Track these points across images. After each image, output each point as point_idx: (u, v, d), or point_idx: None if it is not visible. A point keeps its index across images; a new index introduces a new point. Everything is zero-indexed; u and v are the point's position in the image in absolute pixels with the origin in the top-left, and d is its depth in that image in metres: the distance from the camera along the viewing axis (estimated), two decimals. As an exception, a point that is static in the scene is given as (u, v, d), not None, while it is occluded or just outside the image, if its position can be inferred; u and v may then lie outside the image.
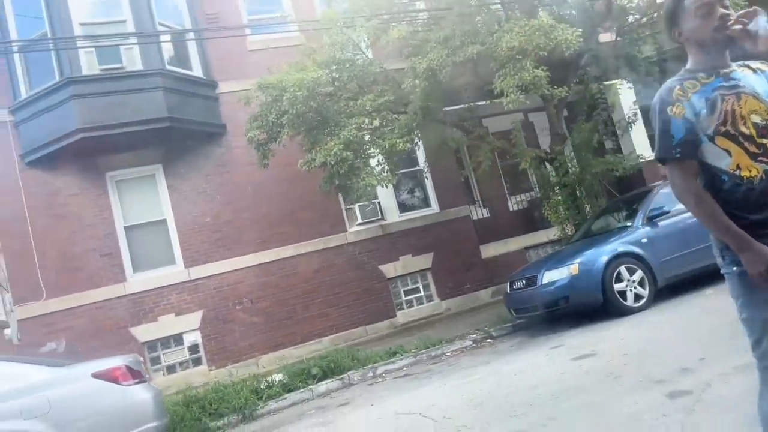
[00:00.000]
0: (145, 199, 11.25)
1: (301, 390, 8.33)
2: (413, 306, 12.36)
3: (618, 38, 11.31)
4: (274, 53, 11.22)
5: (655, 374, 4.65)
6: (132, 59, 10.65)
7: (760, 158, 2.16)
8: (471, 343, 8.90)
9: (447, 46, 8.80)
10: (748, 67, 2.32)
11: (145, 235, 11.14)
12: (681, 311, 6.94)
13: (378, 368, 8.61)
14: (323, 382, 8.44)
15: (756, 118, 2.19)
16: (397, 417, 5.48)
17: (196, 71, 11.64)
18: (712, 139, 2.20)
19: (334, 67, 9.65)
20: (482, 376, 6.45)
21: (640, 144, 13.26)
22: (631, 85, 13.00)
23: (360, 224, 12.16)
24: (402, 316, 12.10)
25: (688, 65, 2.34)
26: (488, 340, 8.89)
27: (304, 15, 12.21)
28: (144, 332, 10.70)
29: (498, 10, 9.83)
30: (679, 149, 2.23)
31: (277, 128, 9.44)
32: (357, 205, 11.92)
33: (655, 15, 11.35)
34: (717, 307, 6.38)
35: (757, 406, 2.29)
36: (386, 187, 10.37)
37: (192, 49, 11.65)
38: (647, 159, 12.91)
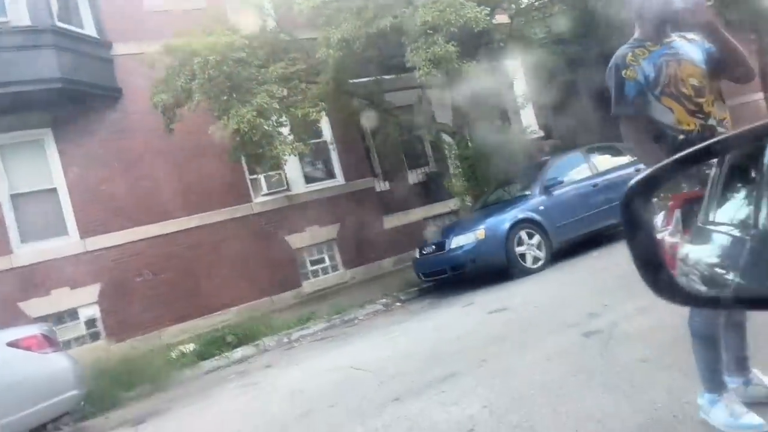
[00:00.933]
0: (34, 166, 10.49)
1: (216, 358, 8.31)
2: (319, 276, 12.54)
3: (512, 20, 12.01)
4: (175, 16, 10.79)
5: (567, 320, 5.20)
6: (18, 13, 9.83)
7: (696, 114, 2.60)
8: (382, 306, 9.27)
9: (360, 17, 8.95)
10: (685, 37, 2.74)
11: (33, 204, 10.40)
12: (575, 270, 7.68)
13: (292, 334, 8.76)
14: (238, 349, 8.46)
15: (693, 81, 2.62)
16: (329, 372, 5.70)
17: (89, 30, 10.95)
18: (658, 98, 2.61)
19: (245, 33, 9.50)
20: (403, 332, 6.81)
21: (530, 123, 14.21)
22: (520, 65, 13.84)
23: (265, 195, 12.09)
24: (308, 286, 12.25)
25: (636, 35, 2.73)
26: (398, 304, 9.30)
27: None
28: (35, 307, 10.05)
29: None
30: (632, 107, 2.62)
31: (186, 93, 9.17)
32: (262, 175, 11.84)
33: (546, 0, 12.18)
34: (605, 266, 7.15)
35: (688, 323, 2.73)
36: (296, 156, 10.39)
37: (84, 5, 10.93)
38: (536, 136, 13.91)
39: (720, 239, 1.36)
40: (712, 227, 1.38)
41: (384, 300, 9.49)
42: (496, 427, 3.45)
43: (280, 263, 12.03)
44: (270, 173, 11.77)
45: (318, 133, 12.85)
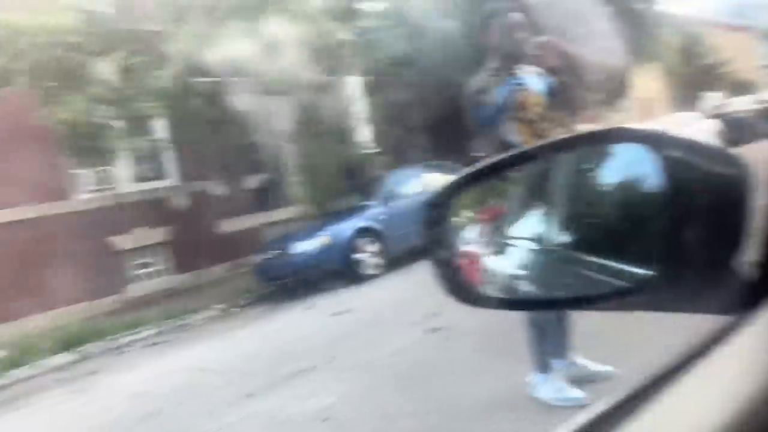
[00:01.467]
0: None
1: (29, 366, 7.56)
2: (147, 280, 11.88)
3: (356, 38, 12.51)
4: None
5: (409, 319, 5.58)
6: None
7: (540, 137, 3.07)
8: (219, 311, 9.07)
9: (211, 16, 8.80)
10: (531, 70, 3.21)
11: None
12: (414, 275, 8.19)
13: (120, 339, 8.25)
14: (56, 356, 7.78)
15: (537, 108, 3.09)
16: (171, 374, 5.52)
17: None
18: (509, 121, 3.05)
19: (79, 15, 8.84)
20: (245, 336, 6.77)
21: (367, 139, 14.80)
22: (361, 82, 14.44)
23: (91, 192, 11.24)
24: (134, 290, 11.55)
25: (492, 64, 3.15)
26: (237, 309, 9.17)
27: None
28: None
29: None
30: (488, 128, 3.04)
31: (5, 75, 8.29)
32: (88, 170, 10.99)
33: (390, 23, 12.90)
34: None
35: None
36: (130, 152, 9.83)
37: None
38: (373, 152, 14.53)
39: (515, 252, 1.43)
40: (510, 241, 1.46)
41: (221, 305, 9.30)
42: (351, 415, 3.65)
43: (102, 265, 11.21)
44: (97, 169, 10.98)
45: (149, 131, 12.23)
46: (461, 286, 0.88)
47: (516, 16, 3.06)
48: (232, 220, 13.25)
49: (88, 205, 11.16)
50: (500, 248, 1.58)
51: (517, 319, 3.18)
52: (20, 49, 8.02)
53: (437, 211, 0.84)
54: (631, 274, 0.78)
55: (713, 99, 21.74)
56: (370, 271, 8.73)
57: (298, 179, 11.80)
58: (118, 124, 9.53)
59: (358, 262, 8.69)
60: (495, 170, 1.01)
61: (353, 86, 13.96)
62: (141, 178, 12.15)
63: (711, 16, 29.19)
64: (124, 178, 11.76)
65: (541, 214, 1.34)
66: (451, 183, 0.87)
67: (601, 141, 0.88)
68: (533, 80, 3.15)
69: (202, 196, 12.84)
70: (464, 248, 1.48)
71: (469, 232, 1.48)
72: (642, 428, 0.43)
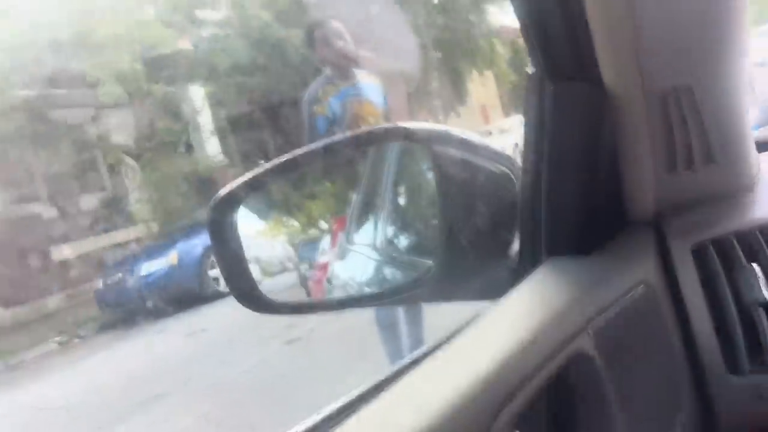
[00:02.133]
0: None
1: None
2: (-33, 318, 10.53)
3: (195, 47, 12.08)
4: None
5: (268, 333, 5.47)
6: None
7: None
8: (57, 345, 8.30)
9: (34, 22, 8.04)
10: (367, 79, 3.26)
11: None
12: (270, 288, 8.05)
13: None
14: None
15: (371, 120, 3.13)
16: (6, 417, 4.94)
17: None
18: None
19: None
20: (92, 367, 6.26)
21: (215, 150, 14.32)
22: (205, 92, 13.95)
23: None
24: (-49, 332, 10.17)
25: (327, 72, 3.15)
26: (77, 340, 8.44)
27: None
28: None
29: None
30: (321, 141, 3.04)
31: None
32: None
33: (230, 32, 12.61)
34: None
35: (375, 317, 3.22)
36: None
37: None
38: (222, 164, 14.09)
39: (353, 256, 1.45)
40: (350, 246, 1.47)
41: (58, 338, 8.49)
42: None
43: None
44: None
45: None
46: (247, 290, 0.84)
47: (335, 24, 3.07)
48: (66, 245, 12.15)
49: None
50: (342, 253, 1.59)
51: (372, 321, 3.22)
52: None
53: (223, 214, 0.81)
54: (419, 265, 0.81)
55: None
56: (225, 289, 8.42)
57: (142, 196, 11.13)
58: None
59: (211, 280, 8.36)
60: (283, 171, 0.97)
61: (197, 96, 13.44)
62: (-46, 204, 10.77)
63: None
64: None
65: (374, 220, 1.36)
66: (237, 185, 0.83)
67: (383, 139, 0.90)
68: (369, 88, 3.18)
69: (30, 220, 11.64)
70: (319, 260, 1.58)
71: (332, 242, 1.58)
72: (391, 400, 0.45)
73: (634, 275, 0.60)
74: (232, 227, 0.83)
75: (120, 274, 8.46)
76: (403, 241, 1.03)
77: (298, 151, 0.87)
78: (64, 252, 12.01)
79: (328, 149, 0.95)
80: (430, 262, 0.72)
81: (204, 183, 13.67)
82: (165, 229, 10.31)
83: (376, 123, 3.07)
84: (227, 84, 12.26)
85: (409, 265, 0.90)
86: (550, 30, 0.58)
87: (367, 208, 1.32)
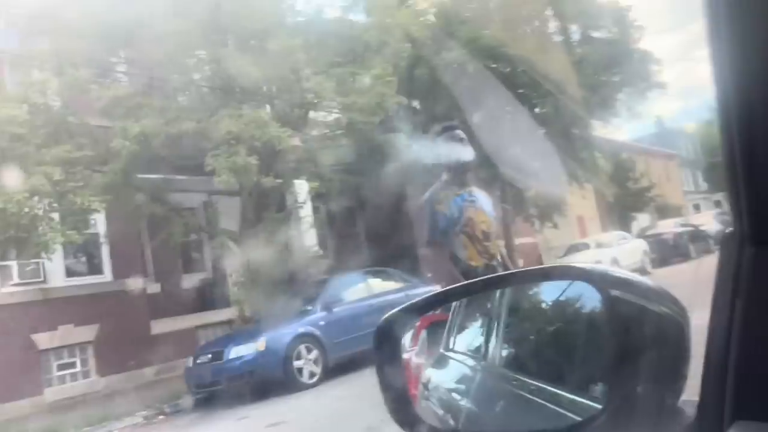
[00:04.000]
0: None
1: None
2: (66, 382, 11.08)
3: (304, 144, 12.86)
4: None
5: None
6: None
7: (483, 255, 3.17)
8: (142, 419, 8.50)
9: (163, 116, 8.91)
10: (478, 190, 3.39)
11: None
12: (352, 385, 7.96)
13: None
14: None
15: (483, 227, 3.22)
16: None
17: None
18: (458, 234, 3.16)
19: (26, 107, 8.80)
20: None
21: (312, 242, 14.82)
22: (308, 186, 14.65)
23: (15, 285, 10.65)
24: (51, 394, 10.71)
25: (445, 177, 3.30)
26: (162, 416, 8.62)
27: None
28: None
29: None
30: (441, 237, 3.13)
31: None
32: (16, 262, 10.48)
33: (339, 132, 13.35)
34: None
35: None
36: (65, 246, 9.49)
37: None
38: (317, 255, 14.51)
39: (457, 366, 1.43)
40: (451, 354, 1.45)
41: (144, 412, 8.72)
42: None
43: (19, 365, 10.43)
44: (24, 261, 10.48)
45: (88, 224, 11.91)
46: (406, 411, 0.87)
47: (458, 132, 3.27)
48: (165, 320, 12.72)
49: (11, 299, 10.55)
50: (442, 362, 1.56)
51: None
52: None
53: (387, 335, 0.84)
54: (575, 403, 0.79)
55: (642, 220, 23.07)
56: (308, 380, 8.44)
57: (239, 280, 11.58)
58: (53, 216, 9.28)
59: (295, 370, 8.40)
60: (444, 300, 1.03)
61: (300, 190, 14.15)
62: (73, 273, 11.66)
63: (640, 143, 31.67)
64: (55, 272, 11.25)
65: (482, 328, 1.34)
66: (401, 309, 0.88)
67: (547, 278, 0.92)
68: (482, 198, 3.32)
69: (135, 294, 12.36)
70: (410, 359, 1.45)
71: (414, 340, 1.47)
72: None
73: None
74: (396, 345, 0.86)
75: (209, 355, 8.68)
76: (559, 378, 0.97)
77: (459, 286, 0.95)
78: (163, 326, 12.57)
79: (489, 284, 1.00)
80: (597, 405, 0.69)
81: (298, 273, 14.10)
82: (256, 314, 10.58)
83: (487, 229, 3.23)
84: (329, 180, 12.86)
85: (570, 403, 0.84)
86: (763, 189, 0.56)
87: (509, 337, 1.25)
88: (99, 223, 11.89)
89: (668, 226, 18.23)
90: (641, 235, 18.22)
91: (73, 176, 9.25)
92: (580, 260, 15.88)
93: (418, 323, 1.51)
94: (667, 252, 16.21)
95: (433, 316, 1.60)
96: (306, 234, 14.67)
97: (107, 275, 12.12)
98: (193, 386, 8.80)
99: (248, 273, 11.22)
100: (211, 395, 8.77)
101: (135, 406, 9.08)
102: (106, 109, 9.37)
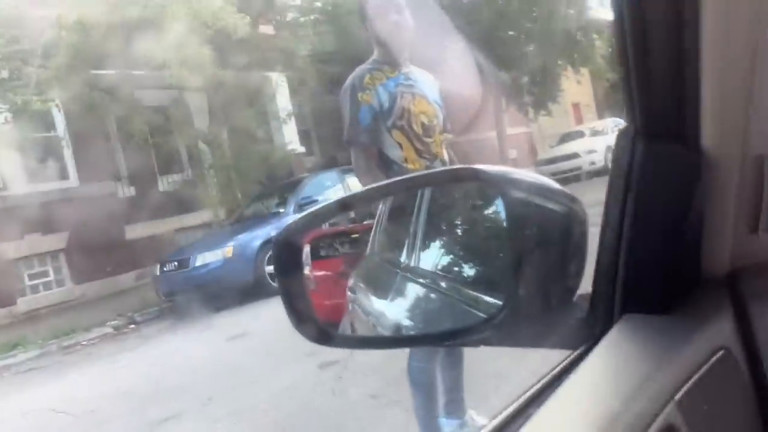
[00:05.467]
0: None
1: None
2: (40, 291, 10.80)
3: (277, 32, 11.80)
4: None
5: (305, 348, 4.97)
6: None
7: (423, 155, 2.49)
8: (112, 330, 8.22)
9: (104, 1, 7.92)
10: (422, 72, 2.64)
11: None
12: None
13: (-7, 363, 7.30)
14: None
15: (423, 119, 2.50)
16: (23, 416, 4.72)
17: None
18: (389, 130, 2.45)
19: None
20: (128, 363, 6.03)
21: (291, 138, 14.07)
22: (284, 79, 13.68)
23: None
24: (24, 304, 10.46)
25: (375, 56, 2.55)
26: (132, 326, 8.34)
27: None
28: None
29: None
30: (365, 134, 2.43)
31: None
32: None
33: (313, 17, 12.23)
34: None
35: (407, 369, 2.62)
36: (15, 150, 8.82)
37: None
38: (297, 152, 13.82)
39: (379, 269, 1.49)
40: (375, 257, 1.51)
41: (115, 322, 8.43)
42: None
43: (-13, 276, 10.10)
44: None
45: (48, 126, 11.14)
46: (316, 323, 0.86)
47: None
48: (141, 225, 12.26)
49: (-32, 208, 10.02)
50: (366, 262, 1.72)
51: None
52: None
53: (288, 248, 0.85)
54: (480, 301, 0.88)
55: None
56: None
57: (214, 180, 11.00)
58: (5, 116, 8.55)
59: (267, 276, 7.99)
60: (345, 207, 1.04)
61: (276, 83, 13.18)
62: (36, 179, 11.03)
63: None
64: (14, 178, 10.63)
65: (403, 234, 1.43)
66: (301, 219, 0.88)
67: (453, 180, 0.93)
68: (424, 81, 2.57)
69: (105, 199, 11.81)
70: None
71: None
72: None
73: (714, 338, 0.61)
74: (297, 255, 0.86)
75: (175, 263, 8.25)
76: (468, 278, 1.04)
77: (361, 191, 1.07)
78: (137, 231, 12.13)
79: (392, 188, 1.04)
80: (500, 302, 0.72)
81: (277, 170, 13.47)
82: (230, 216, 10.10)
83: (429, 122, 2.49)
84: (307, 71, 11.90)
85: (475, 302, 0.90)
86: (655, 83, 0.59)
87: (427, 240, 1.31)
88: (60, 125, 11.15)
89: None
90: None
91: (17, 73, 8.43)
92: (575, 148, 15.21)
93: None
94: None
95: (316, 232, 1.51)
96: (285, 130, 13.90)
97: (73, 180, 11.52)
98: (162, 294, 8.45)
99: (221, 173, 10.62)
100: (178, 305, 8.43)
101: (107, 315, 8.79)
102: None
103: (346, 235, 1.91)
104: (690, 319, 0.61)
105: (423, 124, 2.48)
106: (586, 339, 0.62)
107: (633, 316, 0.63)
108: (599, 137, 14.66)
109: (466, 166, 0.81)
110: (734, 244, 0.64)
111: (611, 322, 0.63)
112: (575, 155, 14.77)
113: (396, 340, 1.19)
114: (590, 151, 14.43)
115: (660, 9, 0.55)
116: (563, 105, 17.82)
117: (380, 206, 1.59)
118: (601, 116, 19.00)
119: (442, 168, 2.25)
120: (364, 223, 1.86)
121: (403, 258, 1.40)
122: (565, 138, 16.24)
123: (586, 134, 15.77)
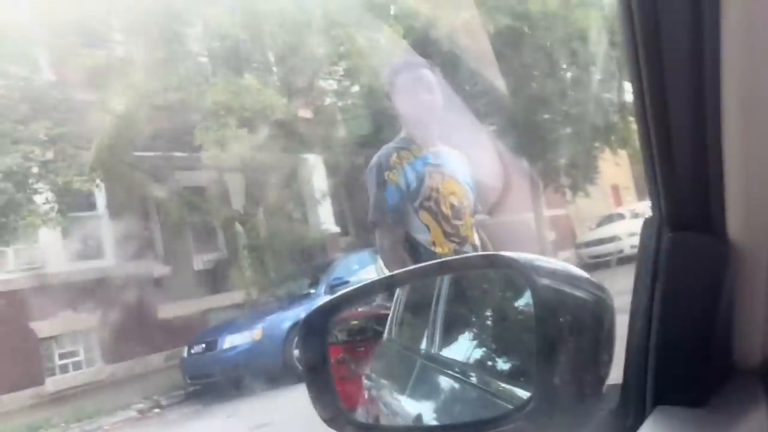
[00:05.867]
0: None
1: None
2: (69, 371, 10.67)
3: (315, 116, 12.03)
4: None
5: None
6: None
7: (452, 237, 2.29)
8: (136, 413, 7.97)
9: (147, 87, 8.20)
10: (452, 151, 2.48)
11: None
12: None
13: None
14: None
15: (453, 200, 2.32)
16: None
17: None
18: (416, 211, 2.27)
19: (2, 82, 8.20)
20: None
21: (326, 218, 14.07)
22: (321, 160, 13.85)
23: (10, 272, 10.20)
24: (53, 384, 10.30)
25: (402, 134, 2.42)
26: (156, 410, 8.08)
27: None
28: None
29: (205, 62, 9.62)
30: (391, 215, 2.26)
31: None
32: (11, 248, 10.01)
33: (350, 102, 12.48)
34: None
35: None
36: (54, 229, 8.96)
37: None
38: (332, 232, 13.78)
39: (397, 356, 1.46)
40: (393, 343, 1.48)
41: (140, 405, 8.19)
42: None
43: (18, 354, 10.03)
44: (19, 246, 10.01)
45: (91, 206, 11.38)
46: (339, 410, 0.87)
47: (424, 72, 2.34)
48: (174, 304, 12.19)
49: (7, 286, 10.11)
50: (383, 348, 1.66)
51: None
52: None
53: (313, 331, 0.87)
54: (507, 391, 0.85)
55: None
56: (309, 371, 7.75)
57: (248, 260, 10.94)
58: (47, 197, 8.74)
59: (295, 360, 7.70)
60: (369, 293, 1.13)
61: (313, 164, 13.33)
62: (73, 257, 11.17)
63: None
64: (54, 256, 10.78)
65: (423, 321, 1.39)
66: (326, 303, 0.90)
67: (477, 266, 0.98)
68: (452, 161, 2.41)
69: (140, 278, 11.84)
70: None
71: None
72: None
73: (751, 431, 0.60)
74: (323, 338, 0.90)
75: (203, 345, 8.06)
76: (493, 366, 1.02)
77: (386, 277, 1.19)
78: (170, 311, 12.05)
79: (419, 274, 1.11)
80: (527, 393, 0.71)
81: (311, 251, 13.39)
82: (263, 296, 9.95)
83: (458, 203, 2.30)
84: (343, 153, 12.02)
85: (501, 392, 0.88)
86: (679, 176, 0.59)
87: (449, 326, 1.27)
88: (100, 205, 11.39)
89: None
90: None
91: (61, 155, 8.68)
92: (615, 231, 14.83)
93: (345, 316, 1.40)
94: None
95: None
96: (320, 210, 13.92)
97: (109, 259, 11.61)
98: (188, 378, 8.21)
99: (255, 253, 10.57)
100: (206, 388, 8.17)
101: (133, 398, 8.57)
102: (89, 81, 8.69)
103: (363, 319, 1.77)
104: (725, 413, 0.60)
105: (452, 206, 2.31)
106: (618, 431, 0.63)
107: (666, 408, 0.62)
108: (640, 219, 14.27)
109: (502, 253, 0.80)
110: (766, 334, 0.63)
111: (643, 414, 0.63)
112: (616, 238, 14.40)
113: (418, 430, 1.17)
114: (631, 234, 14.02)
115: (683, 99, 0.55)
116: (602, 187, 17.57)
117: (397, 290, 1.53)
118: (641, 198, 18.65)
119: (476, 254, 2.11)
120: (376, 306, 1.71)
121: (423, 345, 1.37)
122: (605, 220, 15.89)
123: (627, 216, 15.41)
